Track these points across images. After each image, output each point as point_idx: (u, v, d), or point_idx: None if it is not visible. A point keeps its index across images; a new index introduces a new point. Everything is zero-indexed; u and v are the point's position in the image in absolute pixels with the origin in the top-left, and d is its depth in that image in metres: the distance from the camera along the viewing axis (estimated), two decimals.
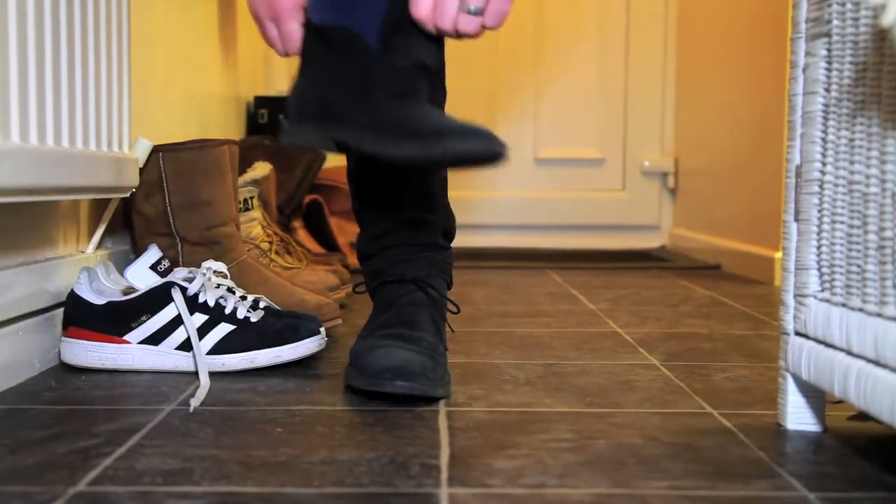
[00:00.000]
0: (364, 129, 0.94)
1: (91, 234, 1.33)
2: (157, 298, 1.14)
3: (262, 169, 1.74)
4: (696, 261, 2.78)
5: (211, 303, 1.15)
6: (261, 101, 2.49)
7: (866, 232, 0.75)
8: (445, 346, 1.08)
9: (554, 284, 2.10)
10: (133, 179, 1.31)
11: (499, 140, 0.90)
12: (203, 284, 1.15)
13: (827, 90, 0.84)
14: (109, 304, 1.14)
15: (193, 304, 1.14)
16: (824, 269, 0.84)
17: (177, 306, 1.13)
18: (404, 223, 1.13)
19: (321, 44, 0.99)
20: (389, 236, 1.14)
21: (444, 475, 0.75)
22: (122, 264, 1.33)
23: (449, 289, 1.17)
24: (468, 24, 0.93)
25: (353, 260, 1.94)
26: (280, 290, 1.42)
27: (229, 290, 1.18)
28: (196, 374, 1.10)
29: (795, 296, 0.88)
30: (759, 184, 2.38)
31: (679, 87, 3.17)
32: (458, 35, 0.95)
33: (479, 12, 0.93)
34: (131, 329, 1.14)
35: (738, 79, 2.55)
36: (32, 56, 1.02)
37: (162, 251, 1.19)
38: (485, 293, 1.93)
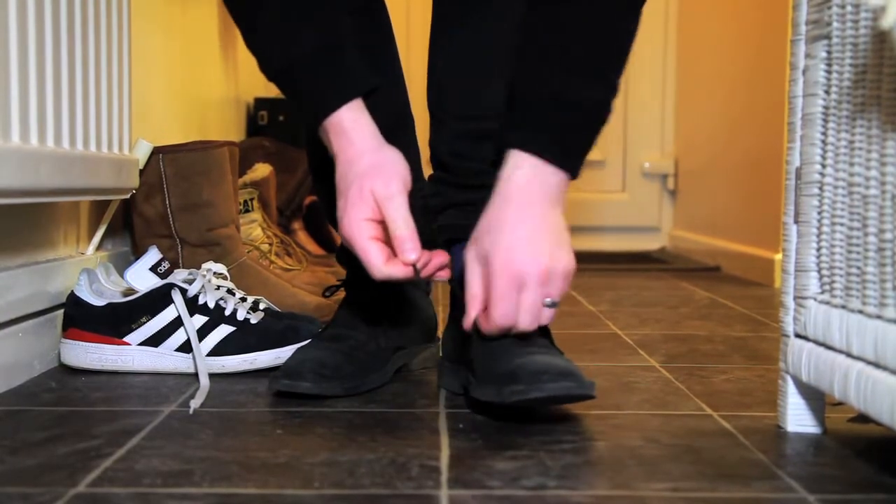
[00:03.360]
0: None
1: (91, 235, 1.33)
2: (157, 300, 1.14)
3: (262, 170, 1.74)
4: (696, 262, 2.78)
5: (211, 304, 1.15)
6: (261, 103, 2.49)
7: (866, 234, 0.75)
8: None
9: None
10: (133, 181, 1.31)
11: (587, 383, 0.89)
12: (203, 286, 1.15)
13: (827, 92, 0.84)
14: (109, 305, 1.14)
15: (193, 305, 1.14)
16: (824, 271, 0.84)
17: (177, 308, 1.13)
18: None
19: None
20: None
21: (445, 476, 0.75)
22: (122, 266, 1.33)
23: None
24: (548, 317, 0.93)
25: None
26: (280, 291, 1.42)
27: (229, 291, 1.18)
28: (196, 375, 1.10)
29: (795, 298, 0.88)
30: (759, 186, 2.38)
31: (679, 89, 3.17)
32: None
33: (556, 305, 0.92)
34: (131, 330, 1.14)
35: (738, 81, 2.55)
36: (33, 57, 1.02)
37: (162, 252, 1.19)
38: None
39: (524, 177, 0.91)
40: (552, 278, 0.91)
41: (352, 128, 0.95)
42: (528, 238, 0.90)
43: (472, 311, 0.93)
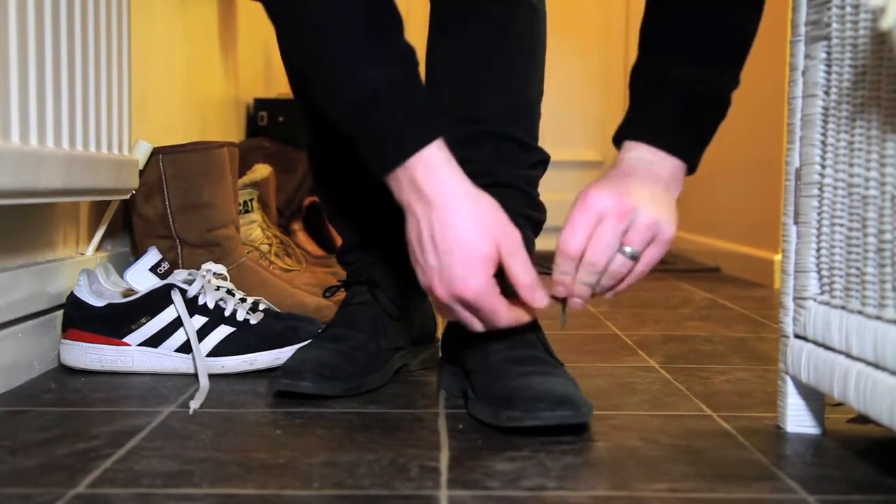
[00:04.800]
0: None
1: (91, 236, 1.33)
2: (157, 300, 1.14)
3: (261, 171, 1.74)
4: (696, 263, 2.78)
5: (210, 305, 1.15)
6: (261, 104, 2.49)
7: (866, 234, 0.75)
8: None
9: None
10: (133, 181, 1.31)
11: (584, 410, 0.88)
12: (203, 286, 1.15)
13: (826, 93, 0.84)
14: (109, 306, 1.14)
15: (193, 306, 1.14)
16: (824, 272, 0.84)
17: (176, 308, 1.13)
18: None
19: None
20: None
21: (444, 477, 0.75)
22: (121, 266, 1.33)
23: None
24: (622, 265, 0.87)
25: None
26: (279, 291, 1.42)
27: (229, 292, 1.18)
28: (196, 376, 1.10)
29: (795, 298, 0.88)
30: (759, 186, 2.38)
31: None
32: (592, 295, 0.89)
33: (636, 257, 0.87)
34: (131, 331, 1.14)
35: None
36: (33, 58, 1.02)
37: (162, 253, 1.19)
38: None
39: (652, 163, 0.89)
40: (625, 220, 0.86)
41: (444, 168, 0.84)
42: (618, 185, 0.87)
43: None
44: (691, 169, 0.91)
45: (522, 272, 0.85)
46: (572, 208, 0.88)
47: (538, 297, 0.87)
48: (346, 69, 0.83)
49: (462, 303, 0.85)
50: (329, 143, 1.14)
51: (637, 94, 0.93)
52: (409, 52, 0.86)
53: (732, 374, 1.17)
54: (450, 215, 0.83)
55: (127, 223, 1.46)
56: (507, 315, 0.87)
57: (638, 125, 0.91)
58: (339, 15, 0.84)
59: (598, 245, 0.86)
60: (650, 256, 0.88)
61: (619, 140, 0.92)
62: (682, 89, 0.90)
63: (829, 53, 0.83)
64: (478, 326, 0.88)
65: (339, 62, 0.84)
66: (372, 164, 0.86)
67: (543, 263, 0.91)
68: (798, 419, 0.90)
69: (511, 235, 0.85)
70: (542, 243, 1.11)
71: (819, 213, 0.84)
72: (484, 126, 1.04)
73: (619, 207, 0.86)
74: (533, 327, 0.98)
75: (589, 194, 0.87)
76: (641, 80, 0.92)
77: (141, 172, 1.35)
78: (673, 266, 2.70)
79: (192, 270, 1.17)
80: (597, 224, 0.86)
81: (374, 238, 1.14)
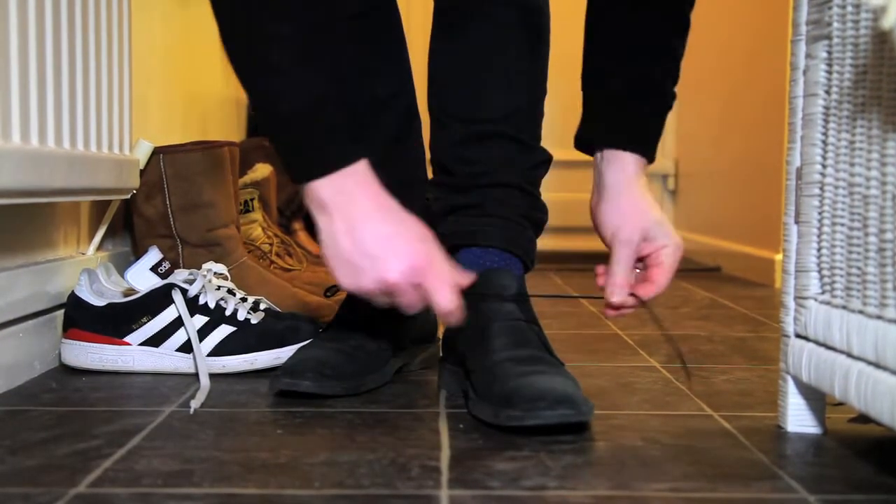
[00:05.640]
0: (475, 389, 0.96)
1: (92, 235, 1.34)
2: (158, 300, 1.14)
3: (262, 171, 1.74)
4: (697, 263, 2.78)
5: (211, 304, 1.15)
6: None
7: (867, 234, 0.75)
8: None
9: (554, 286, 2.10)
10: (134, 181, 1.31)
11: (584, 409, 0.88)
12: (203, 286, 1.15)
13: (827, 92, 0.84)
14: (110, 305, 1.14)
15: (194, 305, 1.15)
16: (825, 272, 0.84)
17: (177, 308, 1.13)
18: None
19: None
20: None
21: (445, 477, 0.75)
22: (122, 266, 1.33)
23: None
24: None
25: None
26: (280, 291, 1.42)
27: (230, 291, 1.18)
28: (196, 375, 1.10)
29: (796, 298, 0.88)
30: (760, 186, 2.38)
31: (679, 90, 3.17)
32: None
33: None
34: (132, 331, 1.14)
35: (739, 81, 2.55)
36: (33, 58, 1.02)
37: (162, 253, 1.19)
38: None
39: (641, 170, 1.01)
40: (671, 248, 0.99)
41: (372, 181, 0.86)
42: (657, 219, 0.99)
43: (616, 299, 0.98)
44: (650, 163, 1.03)
45: (442, 298, 0.87)
46: (667, 256, 0.98)
47: (453, 318, 0.89)
48: (280, 80, 0.84)
49: (393, 289, 0.86)
50: None
51: (606, 99, 1.02)
52: (338, 57, 0.87)
53: (733, 374, 1.17)
54: (379, 214, 0.85)
55: (128, 223, 1.46)
56: (449, 290, 0.87)
57: (624, 135, 1.00)
58: (284, 30, 0.84)
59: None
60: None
61: (596, 143, 1.01)
62: (656, 104, 1.02)
63: (829, 53, 0.83)
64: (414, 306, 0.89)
65: (274, 73, 0.84)
66: (295, 172, 0.87)
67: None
68: (799, 419, 0.90)
69: (431, 252, 0.87)
70: (542, 243, 1.11)
71: (820, 213, 0.84)
72: (486, 126, 1.04)
73: (679, 250, 0.98)
74: (532, 321, 0.99)
75: (680, 244, 0.98)
76: (606, 90, 1.02)
77: (142, 172, 1.35)
78: None
79: (193, 270, 1.17)
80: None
81: None
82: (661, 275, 0.97)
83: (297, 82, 0.84)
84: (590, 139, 1.02)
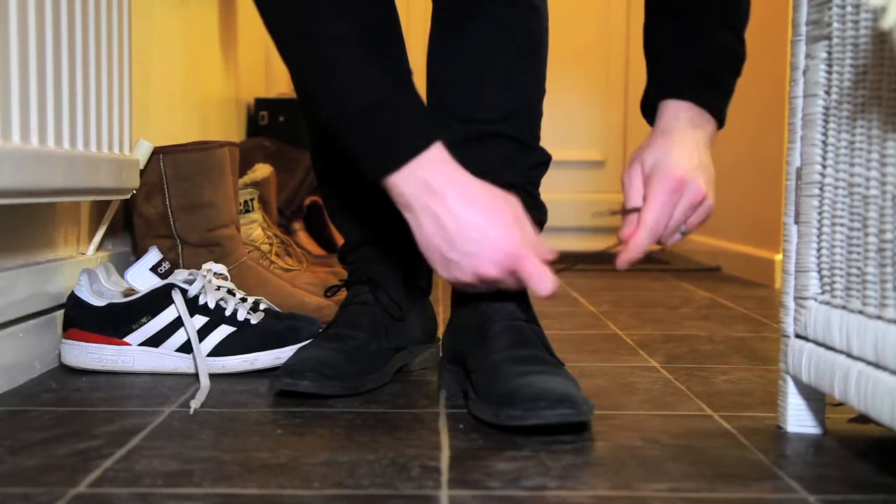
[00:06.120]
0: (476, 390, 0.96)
1: (91, 235, 1.34)
2: (158, 300, 1.14)
3: (262, 171, 1.74)
4: (697, 263, 2.78)
5: (211, 305, 1.15)
6: (261, 103, 2.49)
7: (866, 234, 0.75)
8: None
9: None
10: (134, 181, 1.31)
11: (585, 408, 0.88)
12: (203, 286, 1.15)
13: (827, 93, 0.84)
14: (110, 305, 1.14)
15: (194, 306, 1.15)
16: (824, 272, 0.84)
17: (177, 308, 1.13)
18: None
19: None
20: None
21: (445, 477, 0.75)
22: (122, 266, 1.33)
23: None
24: (676, 238, 0.98)
25: None
26: (280, 291, 1.42)
27: (230, 291, 1.18)
28: (196, 375, 1.10)
29: (796, 298, 0.88)
30: (760, 186, 2.38)
31: None
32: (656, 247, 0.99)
33: (687, 234, 0.98)
34: (131, 331, 1.14)
35: (739, 81, 2.54)
36: (33, 58, 1.02)
37: (162, 253, 1.19)
38: None
39: (688, 120, 0.97)
40: (702, 206, 0.96)
41: (451, 165, 0.88)
42: (690, 159, 0.95)
43: (626, 230, 0.96)
44: (720, 124, 0.99)
45: (537, 279, 0.88)
46: (657, 181, 0.94)
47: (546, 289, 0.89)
48: (347, 77, 0.86)
49: (491, 279, 0.88)
50: (333, 143, 1.15)
51: (660, 55, 1.00)
52: (406, 62, 0.91)
53: (733, 374, 1.17)
54: (463, 202, 0.86)
55: (127, 223, 1.46)
56: (545, 274, 0.89)
57: (673, 83, 0.97)
58: (343, 29, 0.86)
59: (671, 226, 0.95)
60: (695, 225, 0.97)
61: (654, 100, 0.99)
62: (719, 55, 0.98)
63: (829, 53, 0.83)
64: (513, 286, 0.91)
65: (341, 71, 0.86)
66: (372, 168, 0.88)
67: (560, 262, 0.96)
68: (799, 419, 0.90)
69: (524, 233, 0.89)
70: None
71: (820, 213, 0.84)
72: (485, 126, 1.04)
73: (696, 196, 0.94)
74: (532, 322, 0.99)
75: (678, 175, 0.93)
76: (661, 42, 1.00)
77: (142, 172, 1.35)
78: (673, 266, 2.70)
79: (193, 270, 1.17)
80: (675, 202, 0.94)
81: (376, 238, 1.14)
82: (646, 212, 0.94)
83: (364, 78, 0.86)
84: (647, 98, 1.00)
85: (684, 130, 0.96)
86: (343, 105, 0.88)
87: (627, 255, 0.95)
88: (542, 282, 0.88)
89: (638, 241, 0.94)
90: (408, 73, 0.91)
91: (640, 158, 0.97)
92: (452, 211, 0.86)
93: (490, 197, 0.88)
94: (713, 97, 0.98)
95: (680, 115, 0.97)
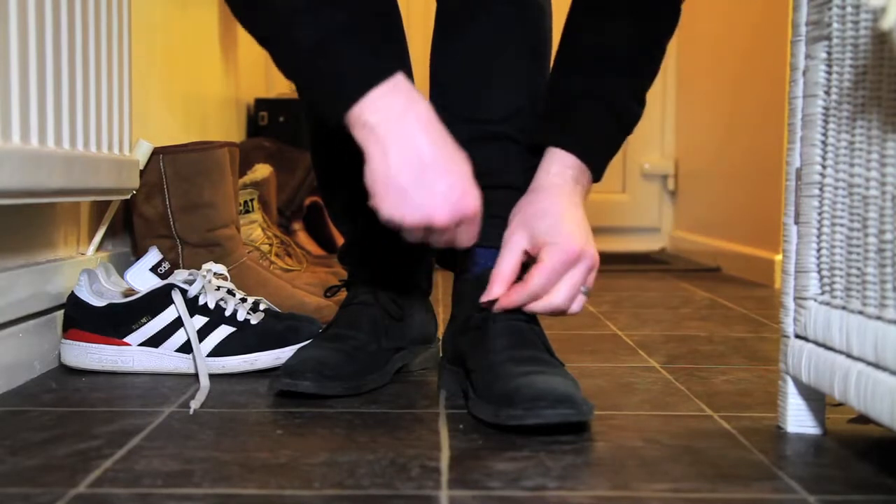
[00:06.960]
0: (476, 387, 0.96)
1: (91, 236, 1.34)
2: (158, 300, 1.14)
3: (262, 171, 1.74)
4: (697, 263, 2.78)
5: (211, 305, 1.15)
6: (261, 104, 2.49)
7: (866, 235, 0.75)
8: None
9: None
10: (133, 181, 1.31)
11: (585, 408, 0.88)
12: (203, 287, 1.15)
13: (827, 93, 0.84)
14: (110, 306, 1.14)
15: (194, 306, 1.15)
16: (824, 272, 0.84)
17: (177, 308, 1.13)
18: None
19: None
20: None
21: (445, 477, 0.75)
22: (122, 266, 1.33)
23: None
24: (580, 304, 0.99)
25: None
26: (280, 291, 1.42)
27: (229, 292, 1.18)
28: (196, 376, 1.10)
29: (795, 298, 0.88)
30: (760, 186, 2.38)
31: (679, 90, 3.17)
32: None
33: (588, 293, 0.99)
34: (131, 331, 1.14)
35: (738, 82, 2.55)
36: (33, 58, 1.02)
37: (162, 253, 1.19)
38: None
39: (572, 177, 0.98)
40: (593, 269, 0.98)
41: (419, 98, 0.87)
42: (581, 229, 0.96)
43: (497, 289, 0.97)
44: (597, 180, 1.01)
45: (467, 240, 0.91)
46: (552, 251, 0.95)
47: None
48: (300, 18, 0.85)
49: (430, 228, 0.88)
50: (333, 143, 1.15)
51: (565, 105, 1.01)
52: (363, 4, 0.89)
53: (733, 374, 1.17)
54: (421, 144, 0.85)
55: (127, 223, 1.46)
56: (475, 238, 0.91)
57: (572, 137, 0.99)
58: None
59: (571, 293, 0.97)
60: (592, 283, 0.99)
61: (547, 142, 0.99)
62: (612, 110, 0.99)
63: (829, 53, 0.83)
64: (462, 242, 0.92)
65: (294, 12, 0.86)
66: (327, 113, 0.88)
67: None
68: (798, 419, 0.90)
69: (478, 196, 0.90)
70: None
71: (820, 214, 0.84)
72: (487, 126, 1.04)
73: (593, 255, 0.96)
74: (532, 322, 1.00)
75: (567, 243, 0.94)
76: (569, 92, 1.00)
77: (141, 172, 1.35)
78: (673, 266, 2.70)
79: (193, 270, 1.17)
80: (567, 271, 0.96)
81: (376, 238, 1.14)
82: (534, 275, 0.95)
83: (323, 14, 0.85)
84: (541, 133, 1.01)
85: (571, 191, 0.98)
86: (304, 40, 0.86)
87: (502, 303, 0.97)
88: (469, 238, 0.91)
89: (516, 297, 0.96)
90: (380, 14, 0.92)
91: (528, 226, 0.96)
92: (417, 137, 0.85)
93: (452, 146, 0.89)
94: (603, 160, 1.00)
95: (566, 172, 0.98)
